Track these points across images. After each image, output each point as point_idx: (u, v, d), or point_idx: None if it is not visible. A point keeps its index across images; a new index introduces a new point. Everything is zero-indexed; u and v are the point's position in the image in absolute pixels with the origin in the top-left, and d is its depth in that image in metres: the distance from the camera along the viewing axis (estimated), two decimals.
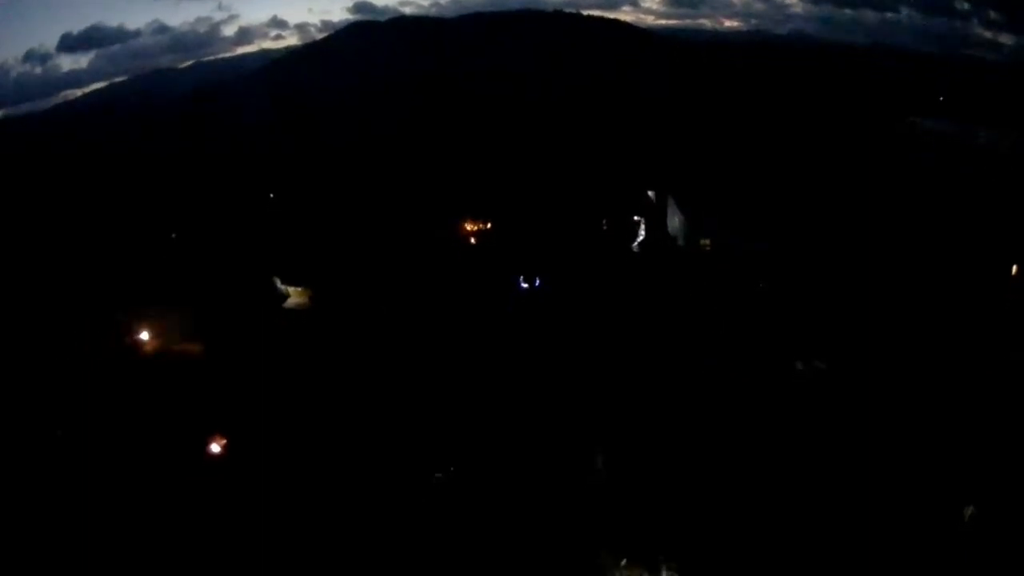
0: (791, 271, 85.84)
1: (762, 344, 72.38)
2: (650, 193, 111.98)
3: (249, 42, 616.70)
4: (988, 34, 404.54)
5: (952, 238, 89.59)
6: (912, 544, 46.23)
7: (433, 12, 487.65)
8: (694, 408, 62.48)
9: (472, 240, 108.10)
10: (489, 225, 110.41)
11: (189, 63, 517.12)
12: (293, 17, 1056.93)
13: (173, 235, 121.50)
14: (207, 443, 61.89)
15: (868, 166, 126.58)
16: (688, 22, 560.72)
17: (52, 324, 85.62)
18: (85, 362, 76.20)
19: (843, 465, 53.45)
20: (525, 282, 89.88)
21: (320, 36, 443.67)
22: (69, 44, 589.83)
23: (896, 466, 52.79)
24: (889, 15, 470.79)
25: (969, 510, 48.46)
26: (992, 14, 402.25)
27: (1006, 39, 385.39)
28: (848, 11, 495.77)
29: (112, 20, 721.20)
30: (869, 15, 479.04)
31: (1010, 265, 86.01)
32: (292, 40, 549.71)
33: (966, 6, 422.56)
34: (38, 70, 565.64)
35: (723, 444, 57.22)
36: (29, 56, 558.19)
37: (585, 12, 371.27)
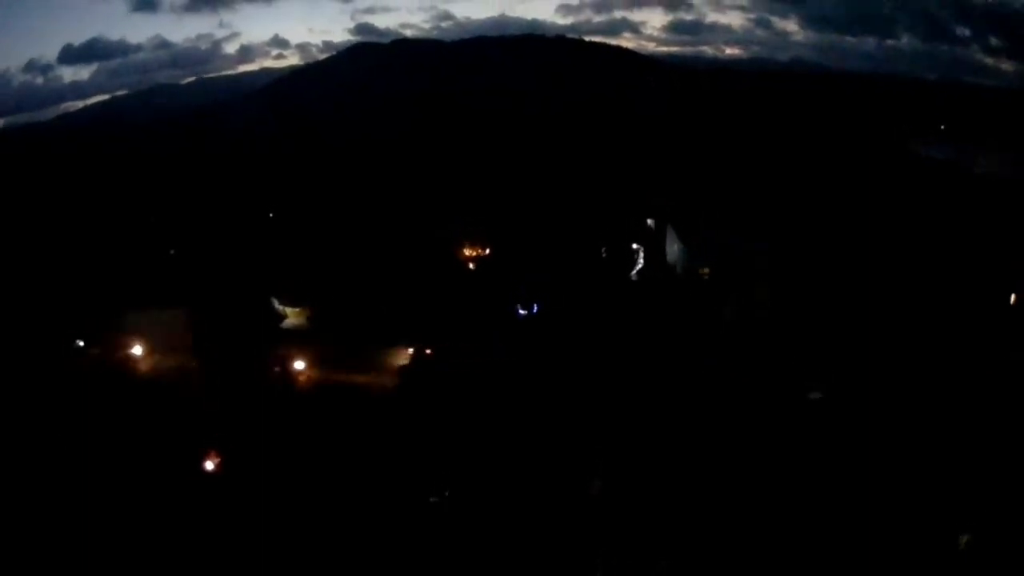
0: (791, 300, 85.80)
1: (761, 372, 72.47)
2: (649, 221, 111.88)
3: (250, 60, 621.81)
4: (989, 60, 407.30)
5: (952, 265, 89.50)
6: (907, 572, 45.89)
7: (435, 35, 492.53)
8: (690, 430, 62.46)
9: (471, 265, 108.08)
10: (488, 251, 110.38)
11: (191, 79, 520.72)
12: (294, 37, 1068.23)
13: (172, 251, 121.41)
14: (202, 460, 61.58)
15: (869, 193, 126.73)
16: (689, 49, 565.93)
17: (48, 337, 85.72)
18: (84, 378, 76.29)
19: (840, 489, 53.26)
20: (523, 309, 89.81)
21: (322, 56, 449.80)
22: (70, 56, 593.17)
23: (892, 491, 52.60)
24: (890, 42, 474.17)
25: (965, 538, 48.17)
26: (993, 40, 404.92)
27: (1007, 65, 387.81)
28: (849, 38, 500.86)
29: (113, 34, 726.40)
30: (870, 42, 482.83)
31: (1009, 293, 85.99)
32: (293, 59, 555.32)
33: (967, 32, 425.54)
34: (39, 80, 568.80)
35: (719, 467, 57.09)
36: (30, 66, 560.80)
37: (587, 38, 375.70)
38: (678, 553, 48.63)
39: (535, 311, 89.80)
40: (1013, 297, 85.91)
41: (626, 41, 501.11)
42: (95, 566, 50.06)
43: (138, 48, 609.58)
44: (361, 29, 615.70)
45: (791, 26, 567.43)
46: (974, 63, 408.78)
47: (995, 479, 52.80)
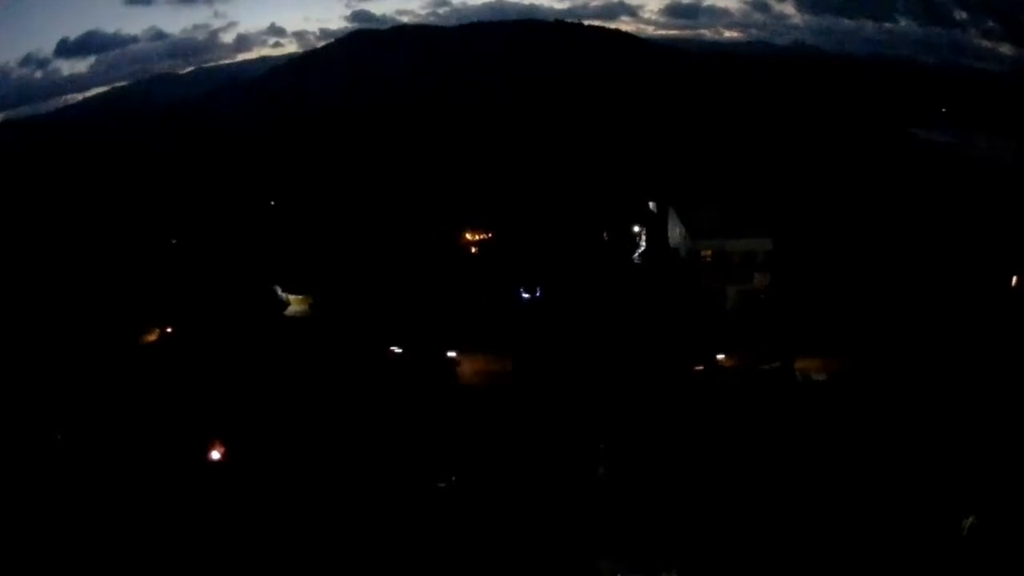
0: (791, 281, 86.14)
1: (762, 353, 72.96)
2: (651, 204, 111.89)
3: (248, 49, 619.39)
4: (987, 44, 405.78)
5: (952, 249, 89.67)
6: (910, 556, 46.10)
7: (432, 21, 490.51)
8: (694, 415, 62.84)
9: (473, 249, 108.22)
10: (490, 235, 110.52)
11: (190, 69, 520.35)
12: (291, 25, 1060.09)
13: (173, 241, 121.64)
14: (207, 449, 61.82)
15: (868, 177, 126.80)
16: (688, 32, 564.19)
17: (51, 327, 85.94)
18: (84, 366, 76.61)
19: (842, 474, 53.54)
20: (526, 292, 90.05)
21: (320, 44, 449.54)
22: (67, 49, 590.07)
23: (895, 476, 52.86)
24: (888, 25, 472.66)
25: (969, 521, 48.32)
26: (990, 24, 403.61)
27: (1006, 49, 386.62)
28: (847, 21, 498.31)
29: (109, 26, 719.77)
30: (868, 25, 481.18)
31: (1010, 275, 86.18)
32: (291, 48, 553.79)
33: (964, 16, 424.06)
34: (38, 74, 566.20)
35: (722, 453, 57.40)
36: (28, 60, 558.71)
37: (585, 22, 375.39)
38: (682, 546, 48.96)
39: (539, 295, 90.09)
40: (1014, 280, 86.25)
41: (624, 24, 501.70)
42: (100, 558, 50.36)
43: (134, 39, 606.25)
44: (357, 16, 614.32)
45: (788, 9, 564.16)
46: (973, 47, 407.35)
47: (998, 464, 53.15)
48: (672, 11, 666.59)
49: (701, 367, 72.93)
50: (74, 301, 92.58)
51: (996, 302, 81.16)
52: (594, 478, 57.10)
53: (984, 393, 62.03)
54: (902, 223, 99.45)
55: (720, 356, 74.19)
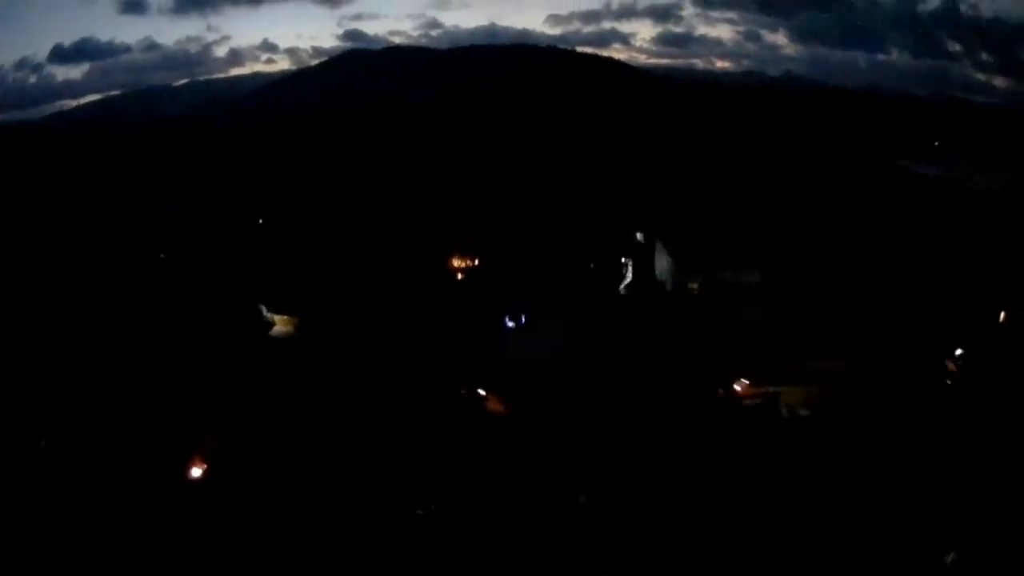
0: (779, 314, 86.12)
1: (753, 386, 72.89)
2: (638, 235, 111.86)
3: (241, 64, 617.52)
4: (981, 76, 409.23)
5: (944, 283, 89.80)
6: None
7: (424, 43, 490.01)
8: (678, 444, 62.42)
9: (459, 276, 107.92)
10: (476, 262, 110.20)
11: (183, 81, 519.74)
12: (284, 41, 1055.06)
13: (162, 255, 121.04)
14: (188, 466, 61.03)
15: (859, 210, 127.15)
16: (680, 61, 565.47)
17: (35, 333, 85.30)
18: (68, 375, 75.87)
19: (823, 506, 53.20)
20: (511, 320, 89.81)
21: (312, 62, 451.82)
22: (61, 55, 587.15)
23: (876, 506, 52.55)
24: (881, 57, 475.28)
25: (951, 557, 47.90)
26: (984, 56, 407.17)
27: (999, 82, 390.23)
28: (840, 53, 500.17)
29: (103, 34, 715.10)
30: (861, 57, 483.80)
31: (999, 311, 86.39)
32: (284, 64, 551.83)
33: (958, 48, 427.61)
34: (32, 79, 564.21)
35: (707, 482, 57.03)
36: (22, 65, 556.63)
37: (578, 49, 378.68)
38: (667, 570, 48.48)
39: (524, 323, 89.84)
40: (1003, 315, 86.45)
41: (616, 52, 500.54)
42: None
43: (127, 49, 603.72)
44: (350, 35, 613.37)
45: (781, 39, 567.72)
46: (966, 79, 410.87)
47: (982, 502, 52.86)
48: (664, 40, 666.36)
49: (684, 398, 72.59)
50: (55, 308, 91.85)
51: (987, 337, 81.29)
52: (576, 506, 56.60)
53: (975, 429, 61.90)
54: (892, 256, 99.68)
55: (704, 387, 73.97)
